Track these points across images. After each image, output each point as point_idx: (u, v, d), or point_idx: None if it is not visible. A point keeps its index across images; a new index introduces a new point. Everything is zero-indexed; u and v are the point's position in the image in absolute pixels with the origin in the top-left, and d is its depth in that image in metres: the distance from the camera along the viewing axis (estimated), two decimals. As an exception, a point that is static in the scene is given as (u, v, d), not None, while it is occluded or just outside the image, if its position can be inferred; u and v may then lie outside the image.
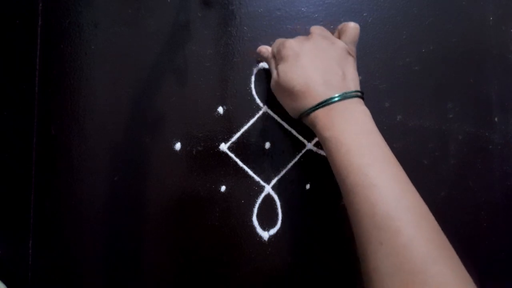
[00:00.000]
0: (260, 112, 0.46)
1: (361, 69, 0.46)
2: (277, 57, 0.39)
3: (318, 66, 0.37)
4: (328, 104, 0.35)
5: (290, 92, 0.37)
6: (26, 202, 0.45)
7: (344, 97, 0.35)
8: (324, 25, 0.46)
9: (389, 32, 0.47)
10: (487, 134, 0.47)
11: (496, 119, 0.47)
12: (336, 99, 0.35)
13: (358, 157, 0.33)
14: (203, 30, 0.46)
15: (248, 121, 0.46)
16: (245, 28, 0.46)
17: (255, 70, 0.46)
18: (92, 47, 0.46)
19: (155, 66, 0.46)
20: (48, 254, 0.45)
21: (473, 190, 0.46)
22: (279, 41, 0.41)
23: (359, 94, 0.36)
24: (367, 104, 0.47)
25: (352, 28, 0.40)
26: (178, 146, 0.45)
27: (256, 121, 0.46)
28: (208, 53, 0.46)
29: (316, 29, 0.40)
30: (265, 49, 0.43)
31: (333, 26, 0.46)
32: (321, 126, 0.35)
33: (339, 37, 0.41)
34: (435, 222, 0.31)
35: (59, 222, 0.45)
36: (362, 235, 0.31)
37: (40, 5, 0.46)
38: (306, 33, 0.42)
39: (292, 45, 0.38)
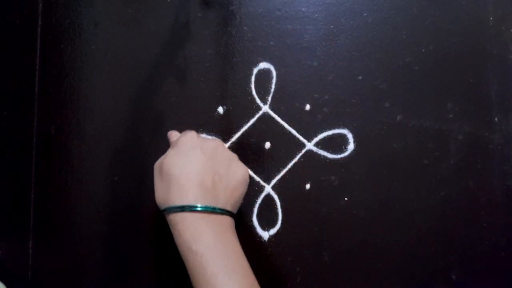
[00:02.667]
0: (260, 112, 0.46)
1: (361, 69, 0.46)
2: (176, 142, 0.39)
3: (208, 168, 0.36)
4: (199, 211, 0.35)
5: (167, 178, 0.36)
6: (26, 202, 0.45)
7: (213, 209, 0.35)
8: (324, 25, 0.46)
9: (389, 32, 0.47)
10: (487, 134, 0.47)
11: (496, 119, 0.47)
12: (205, 209, 0.35)
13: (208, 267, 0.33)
14: (203, 30, 0.46)
15: (248, 121, 0.46)
16: (245, 28, 0.46)
17: (255, 70, 0.46)
18: (92, 47, 0.46)
19: (155, 66, 0.46)
20: (48, 254, 0.45)
21: (473, 190, 0.46)
22: (186, 131, 0.41)
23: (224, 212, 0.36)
24: (368, 104, 0.47)
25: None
26: (178, 146, 0.45)
27: (256, 121, 0.46)
28: (208, 53, 0.46)
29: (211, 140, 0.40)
30: (175, 134, 0.42)
31: (333, 26, 0.46)
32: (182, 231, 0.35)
33: None
34: None
35: (59, 222, 0.45)
36: None
37: (40, 5, 0.46)
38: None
39: (193, 137, 0.38)
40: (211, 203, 0.35)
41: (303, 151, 0.46)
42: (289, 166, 0.45)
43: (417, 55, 0.47)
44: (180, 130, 0.45)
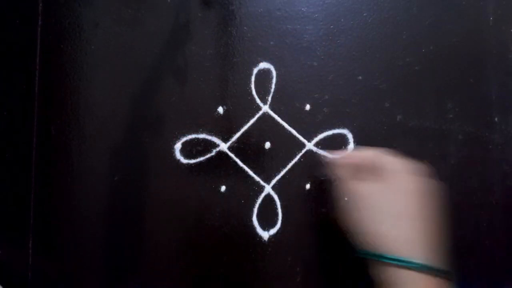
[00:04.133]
0: (260, 112, 0.46)
1: (361, 69, 0.46)
2: (374, 171, 0.32)
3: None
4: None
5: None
6: (26, 202, 0.45)
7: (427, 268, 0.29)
8: (324, 25, 0.46)
9: (389, 32, 0.47)
10: (487, 134, 0.47)
11: (496, 119, 0.47)
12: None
13: None
14: (203, 30, 0.46)
15: (248, 121, 0.46)
16: (245, 28, 0.46)
17: (255, 70, 0.46)
18: (92, 47, 0.46)
19: (155, 66, 0.46)
20: (48, 254, 0.45)
21: (473, 190, 0.46)
22: (380, 153, 0.33)
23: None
24: (368, 104, 0.47)
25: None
26: (178, 146, 0.45)
27: (256, 121, 0.46)
28: (208, 53, 0.46)
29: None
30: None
31: (333, 26, 0.46)
32: None
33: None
34: None
35: (59, 222, 0.45)
36: None
37: (40, 5, 0.46)
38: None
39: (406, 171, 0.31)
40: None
41: (303, 151, 0.46)
42: (289, 166, 0.45)
43: (417, 55, 0.47)
44: (180, 130, 0.45)
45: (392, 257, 0.28)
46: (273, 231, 0.45)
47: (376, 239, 0.30)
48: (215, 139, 0.45)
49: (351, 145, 0.46)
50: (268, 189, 0.45)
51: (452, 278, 0.30)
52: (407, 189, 0.31)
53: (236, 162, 0.45)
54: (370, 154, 0.35)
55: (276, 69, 0.46)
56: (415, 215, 0.29)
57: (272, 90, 0.46)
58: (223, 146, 0.45)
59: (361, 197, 0.33)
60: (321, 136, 0.46)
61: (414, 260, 0.27)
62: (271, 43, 0.46)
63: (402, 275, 0.27)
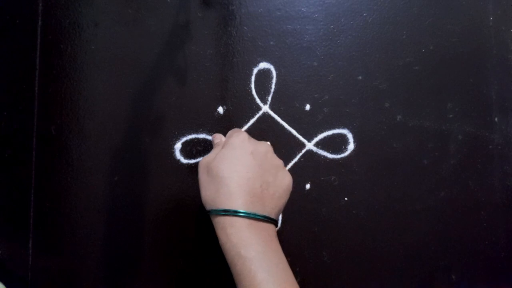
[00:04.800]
0: (260, 112, 0.46)
1: (361, 69, 0.46)
2: (227, 143, 0.38)
3: (257, 175, 0.36)
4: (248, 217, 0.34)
5: (217, 180, 0.36)
6: (26, 202, 0.45)
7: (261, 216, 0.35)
8: (324, 25, 0.46)
9: (389, 32, 0.47)
10: (487, 134, 0.47)
11: (496, 119, 0.47)
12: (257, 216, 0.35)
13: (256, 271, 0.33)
14: (203, 30, 0.46)
15: (248, 121, 0.46)
16: (245, 28, 0.46)
17: (255, 70, 0.46)
18: (92, 47, 0.46)
19: (155, 66, 0.46)
20: (48, 254, 0.45)
21: (473, 190, 0.46)
22: (235, 130, 0.40)
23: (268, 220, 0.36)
24: (368, 104, 0.47)
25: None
26: (178, 146, 0.45)
27: (256, 121, 0.46)
28: (208, 53, 0.46)
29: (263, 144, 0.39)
30: (219, 137, 0.42)
31: (333, 26, 0.46)
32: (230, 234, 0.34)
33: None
34: None
35: (59, 222, 0.45)
36: None
37: (40, 5, 0.46)
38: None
39: (245, 140, 0.38)
40: (260, 211, 0.35)
41: (303, 151, 0.46)
42: (289, 166, 0.45)
43: (417, 55, 0.47)
44: (180, 130, 0.45)
45: (221, 209, 0.35)
46: (273, 231, 0.45)
47: (210, 198, 0.36)
48: (215, 139, 0.45)
49: (351, 145, 0.46)
50: (268, 189, 0.45)
51: (273, 222, 0.36)
52: (234, 155, 0.36)
53: (236, 162, 0.45)
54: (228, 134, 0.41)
55: (276, 69, 0.46)
56: (241, 175, 0.35)
57: (272, 90, 0.46)
58: (223, 146, 0.45)
59: (200, 165, 0.38)
60: (321, 136, 0.46)
61: (239, 210, 0.34)
62: (271, 43, 0.46)
63: (228, 221, 0.34)
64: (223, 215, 0.35)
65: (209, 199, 0.36)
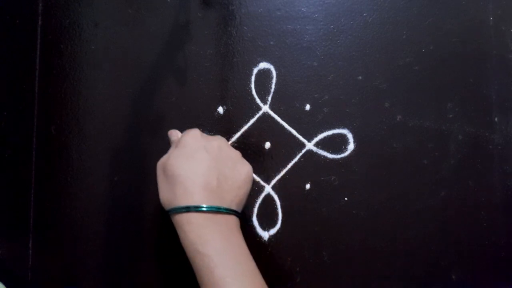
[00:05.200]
0: (260, 112, 0.46)
1: (361, 69, 0.46)
2: (180, 142, 0.38)
3: (212, 169, 0.36)
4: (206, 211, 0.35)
5: (172, 179, 0.36)
6: (26, 202, 0.45)
7: (218, 209, 0.35)
8: (324, 25, 0.46)
9: (389, 32, 0.47)
10: (487, 134, 0.47)
11: (496, 119, 0.47)
12: (210, 209, 0.35)
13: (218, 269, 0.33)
14: (203, 30, 0.46)
15: (248, 121, 0.46)
16: (245, 28, 0.46)
17: (255, 70, 0.46)
18: (92, 47, 0.46)
19: (155, 66, 0.46)
20: (48, 254, 0.45)
21: (473, 190, 0.46)
22: (189, 130, 0.40)
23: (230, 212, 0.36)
24: (368, 104, 0.47)
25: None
26: (178, 146, 0.45)
27: (256, 121, 0.46)
28: (208, 53, 0.46)
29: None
30: (175, 133, 0.42)
31: (333, 26, 0.46)
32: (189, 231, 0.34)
33: None
34: None
35: (59, 222, 0.45)
36: None
37: (40, 5, 0.46)
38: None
39: (197, 136, 0.38)
40: (216, 203, 0.35)
41: (303, 151, 0.46)
42: (289, 166, 0.45)
43: (417, 55, 0.47)
44: (180, 130, 0.45)
45: (177, 207, 0.34)
46: (273, 231, 0.45)
47: (167, 198, 0.36)
48: (215, 139, 0.45)
49: (351, 145, 0.46)
50: (268, 189, 0.45)
51: (235, 214, 0.37)
52: (187, 152, 0.36)
53: (236, 162, 0.45)
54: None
55: (276, 69, 0.46)
56: (195, 171, 0.35)
57: (272, 90, 0.46)
58: (223, 146, 0.45)
59: (157, 167, 0.38)
60: (321, 136, 0.46)
61: (196, 205, 0.34)
62: (271, 43, 0.46)
63: (185, 218, 0.34)
64: (180, 212, 0.34)
65: (166, 199, 0.36)
